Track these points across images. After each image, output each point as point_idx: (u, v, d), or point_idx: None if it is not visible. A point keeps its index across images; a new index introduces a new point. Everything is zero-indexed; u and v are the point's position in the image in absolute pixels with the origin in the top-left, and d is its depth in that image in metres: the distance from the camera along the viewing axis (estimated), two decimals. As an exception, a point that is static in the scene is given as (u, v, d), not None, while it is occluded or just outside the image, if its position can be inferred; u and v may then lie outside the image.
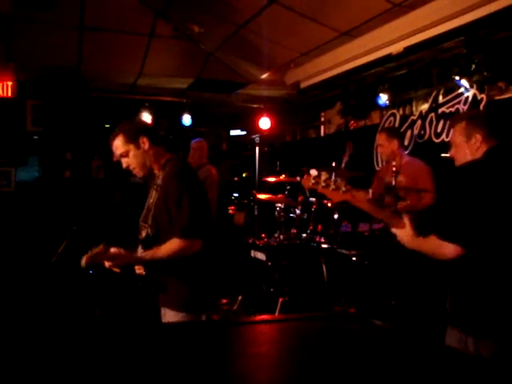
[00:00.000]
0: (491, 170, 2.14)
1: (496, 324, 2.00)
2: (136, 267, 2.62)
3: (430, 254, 2.18)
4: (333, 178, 2.13)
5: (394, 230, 2.19)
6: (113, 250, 2.47)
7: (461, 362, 1.42)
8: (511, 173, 2.12)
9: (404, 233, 2.16)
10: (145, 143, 2.57)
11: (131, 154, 2.58)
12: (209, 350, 1.42)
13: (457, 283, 2.16)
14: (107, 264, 2.45)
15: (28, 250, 6.25)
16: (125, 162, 2.61)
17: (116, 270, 2.48)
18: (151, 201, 2.61)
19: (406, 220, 2.15)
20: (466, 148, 2.32)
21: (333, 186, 2.17)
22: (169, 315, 2.57)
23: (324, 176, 2.16)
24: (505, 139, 2.32)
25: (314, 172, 2.18)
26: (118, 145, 2.58)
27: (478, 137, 2.28)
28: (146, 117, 7.42)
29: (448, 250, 2.07)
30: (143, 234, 2.61)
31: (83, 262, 2.38)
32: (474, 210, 2.05)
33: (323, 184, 2.18)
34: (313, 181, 2.19)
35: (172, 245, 2.43)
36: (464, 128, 2.34)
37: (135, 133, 2.57)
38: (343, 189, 2.17)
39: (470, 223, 2.06)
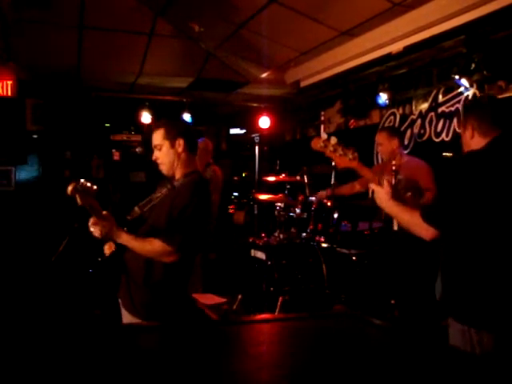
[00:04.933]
0: (485, 164, 2.08)
1: (495, 315, 2.00)
2: (106, 246, 2.60)
3: (403, 223, 2.23)
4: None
5: (372, 186, 2.26)
6: (105, 212, 2.46)
7: (461, 361, 1.42)
8: (508, 168, 2.06)
9: (381, 192, 2.23)
10: (180, 146, 2.60)
11: (164, 149, 2.62)
12: (209, 350, 1.42)
13: (454, 274, 2.15)
14: (92, 220, 2.41)
15: (28, 250, 6.26)
16: (156, 154, 2.65)
17: (97, 232, 2.43)
18: (158, 195, 2.64)
19: (386, 182, 2.21)
20: (464, 139, 2.27)
21: (340, 152, 2.21)
22: (124, 315, 2.59)
23: (333, 140, 2.21)
24: (510, 125, 2.24)
25: (324, 135, 2.23)
26: (157, 137, 2.63)
27: (470, 127, 2.20)
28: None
29: (427, 232, 2.10)
30: (133, 216, 2.63)
31: (69, 188, 2.32)
32: (461, 199, 2.03)
33: (331, 148, 2.22)
34: (322, 144, 2.23)
35: (152, 244, 2.44)
36: (461, 119, 2.32)
37: (175, 132, 2.61)
38: (350, 156, 2.22)
39: (454, 211, 2.05)
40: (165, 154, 2.62)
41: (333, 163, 4.23)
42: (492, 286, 2.01)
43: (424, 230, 2.11)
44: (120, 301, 2.63)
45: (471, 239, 2.06)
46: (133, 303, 2.50)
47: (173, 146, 2.60)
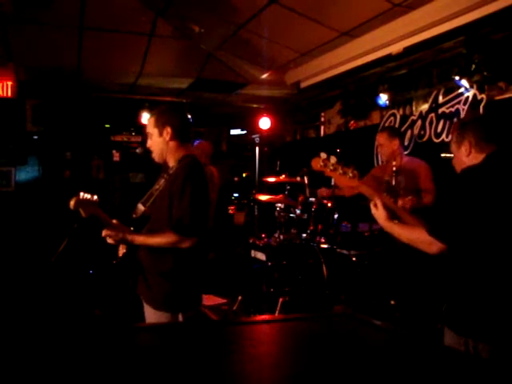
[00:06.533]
0: (486, 176, 2.12)
1: (493, 327, 2.01)
2: (119, 249, 2.65)
3: (403, 240, 2.24)
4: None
5: (371, 206, 2.28)
6: (115, 221, 2.51)
7: (459, 362, 1.42)
8: (507, 180, 2.10)
9: (377, 214, 2.24)
10: (168, 134, 2.63)
11: (153, 138, 2.67)
12: (209, 350, 1.42)
13: (453, 285, 2.17)
14: (104, 233, 2.47)
15: (28, 250, 6.26)
16: (148, 142, 2.72)
17: (111, 241, 2.51)
18: (157, 187, 2.68)
19: (378, 201, 2.21)
20: (458, 156, 2.31)
21: (340, 171, 2.22)
22: (147, 310, 2.61)
23: (333, 160, 2.22)
24: (505, 140, 2.29)
25: (323, 155, 2.24)
26: (149, 125, 2.70)
27: (467, 144, 2.24)
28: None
29: (432, 247, 2.11)
30: (138, 214, 2.67)
31: (71, 203, 2.36)
32: (464, 215, 2.06)
33: (331, 167, 2.23)
34: (321, 163, 2.24)
35: (165, 236, 2.48)
36: (455, 136, 2.33)
37: (164, 120, 2.65)
38: (350, 174, 2.23)
39: (458, 226, 2.07)
40: (154, 142, 2.67)
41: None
42: (491, 298, 2.02)
43: (429, 246, 2.12)
44: (142, 297, 2.66)
45: (473, 253, 2.08)
46: (155, 297, 2.55)
47: (161, 134, 2.64)
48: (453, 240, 2.09)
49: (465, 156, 2.25)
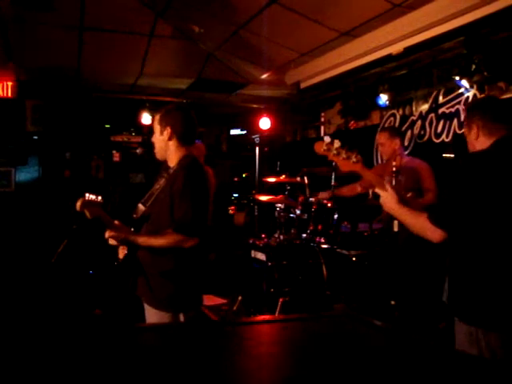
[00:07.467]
0: (490, 163, 2.08)
1: (502, 315, 2.00)
2: (119, 250, 2.66)
3: (410, 227, 2.21)
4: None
5: (378, 191, 2.24)
6: (117, 222, 2.53)
7: (460, 362, 1.42)
8: None
9: (387, 196, 2.21)
10: (167, 134, 2.66)
11: (155, 135, 2.72)
12: (209, 350, 1.42)
13: (461, 275, 2.14)
14: (107, 234, 2.49)
15: (28, 250, 6.26)
16: (152, 137, 2.76)
17: (113, 242, 2.53)
18: (157, 187, 2.70)
19: (386, 184, 2.21)
20: (470, 141, 2.29)
21: (344, 155, 2.20)
22: (148, 311, 2.61)
23: (336, 144, 2.21)
24: None
25: (327, 139, 2.22)
26: (154, 120, 2.74)
27: (476, 127, 2.22)
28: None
29: (435, 234, 2.09)
30: (139, 214, 2.69)
31: (78, 204, 2.40)
32: (467, 200, 2.04)
33: (335, 152, 2.21)
34: (325, 147, 2.22)
35: (167, 237, 2.49)
36: (465, 120, 2.32)
37: (166, 121, 2.68)
38: (354, 159, 2.21)
39: (461, 212, 2.05)
40: (156, 139, 2.72)
41: (333, 164, 4.26)
42: (500, 286, 2.00)
43: (431, 233, 2.09)
44: (142, 298, 2.66)
45: (478, 240, 2.06)
46: (156, 297, 2.55)
47: (162, 133, 2.68)
48: (453, 228, 2.07)
49: (474, 140, 2.24)
